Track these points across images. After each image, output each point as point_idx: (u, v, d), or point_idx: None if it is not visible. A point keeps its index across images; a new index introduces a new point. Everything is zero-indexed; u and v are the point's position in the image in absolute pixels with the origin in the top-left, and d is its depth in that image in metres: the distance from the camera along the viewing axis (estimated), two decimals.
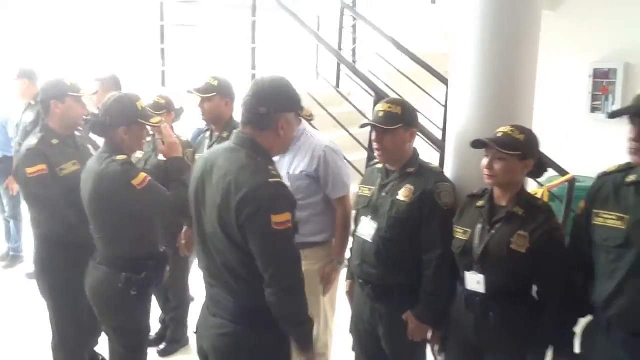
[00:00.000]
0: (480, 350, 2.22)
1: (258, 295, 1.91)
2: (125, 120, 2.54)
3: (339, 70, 5.60)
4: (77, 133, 3.11)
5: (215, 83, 3.19)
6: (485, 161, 2.10)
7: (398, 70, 5.36)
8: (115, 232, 2.57)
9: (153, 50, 5.49)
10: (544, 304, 2.09)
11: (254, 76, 5.30)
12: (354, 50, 5.92)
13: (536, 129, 2.22)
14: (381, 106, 2.41)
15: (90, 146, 3.15)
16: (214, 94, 3.16)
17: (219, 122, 3.26)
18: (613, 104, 5.57)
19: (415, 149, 2.46)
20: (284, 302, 1.89)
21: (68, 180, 2.79)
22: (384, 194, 2.43)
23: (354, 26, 5.84)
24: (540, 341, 2.10)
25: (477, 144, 2.12)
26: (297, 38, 5.67)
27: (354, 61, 5.79)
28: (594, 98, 5.62)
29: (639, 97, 1.83)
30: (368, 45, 5.76)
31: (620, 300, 1.83)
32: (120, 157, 2.52)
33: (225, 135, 3.20)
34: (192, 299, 3.83)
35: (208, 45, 5.39)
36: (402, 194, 2.36)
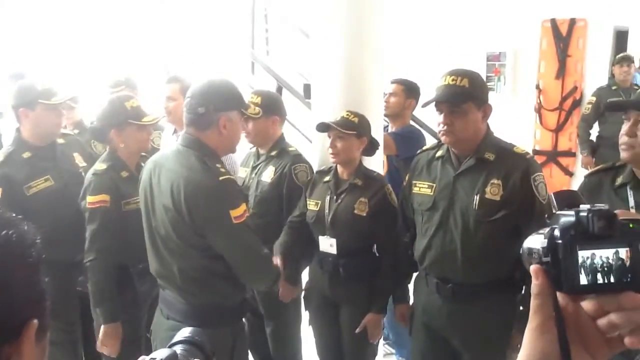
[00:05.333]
0: (336, 304, 2.59)
1: (210, 293, 1.97)
2: (113, 122, 2.46)
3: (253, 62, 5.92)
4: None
5: (122, 78, 3.61)
6: (329, 141, 2.47)
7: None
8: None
9: None
10: (382, 260, 2.50)
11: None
12: (267, 40, 6.25)
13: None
14: None
15: (77, 154, 2.85)
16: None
17: None
18: (504, 84, 6.21)
19: (281, 134, 2.79)
20: (261, 283, 2.16)
21: (37, 198, 2.56)
22: (254, 175, 2.77)
23: (265, 16, 6.16)
24: (380, 292, 2.49)
25: (320, 127, 2.49)
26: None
27: (267, 51, 6.13)
28: (488, 79, 6.15)
29: (444, 86, 2.07)
30: (280, 36, 6.10)
31: (430, 253, 2.21)
32: (98, 166, 2.45)
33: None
34: None
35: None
36: (266, 175, 2.71)
